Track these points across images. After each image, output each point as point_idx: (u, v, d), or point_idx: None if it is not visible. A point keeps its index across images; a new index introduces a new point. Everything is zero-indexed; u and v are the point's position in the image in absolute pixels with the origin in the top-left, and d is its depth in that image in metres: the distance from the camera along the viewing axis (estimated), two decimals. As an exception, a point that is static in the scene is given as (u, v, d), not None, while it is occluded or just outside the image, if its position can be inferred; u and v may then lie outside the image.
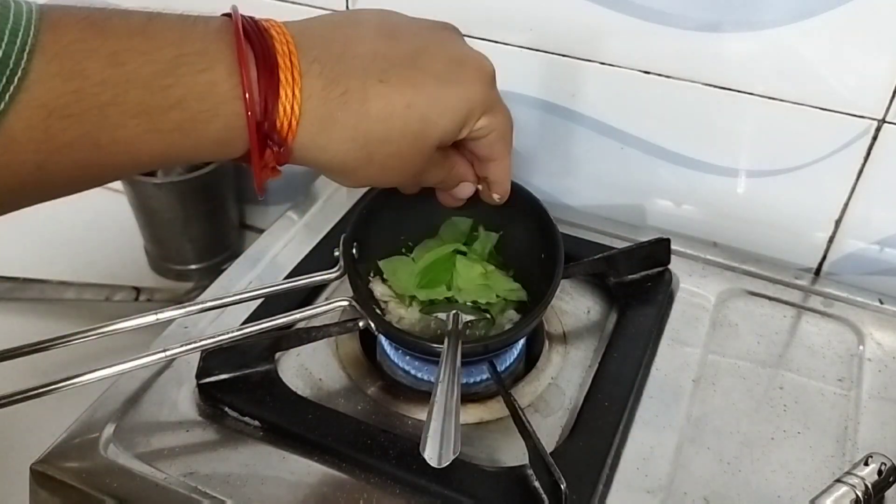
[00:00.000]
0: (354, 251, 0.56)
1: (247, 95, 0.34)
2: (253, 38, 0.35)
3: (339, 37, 0.38)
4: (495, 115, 0.44)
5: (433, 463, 0.43)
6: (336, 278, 0.56)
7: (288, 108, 0.35)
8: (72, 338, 0.49)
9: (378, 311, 0.56)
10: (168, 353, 0.50)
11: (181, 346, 0.50)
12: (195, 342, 0.51)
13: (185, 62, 0.33)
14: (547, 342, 0.60)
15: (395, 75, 0.37)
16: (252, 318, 0.58)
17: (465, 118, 0.41)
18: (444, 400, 0.46)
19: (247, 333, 0.52)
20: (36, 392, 0.46)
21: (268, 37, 0.36)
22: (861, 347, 0.61)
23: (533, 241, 0.60)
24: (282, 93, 0.35)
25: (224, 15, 0.37)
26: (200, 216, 0.84)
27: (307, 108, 0.36)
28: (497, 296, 0.58)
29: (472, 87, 0.41)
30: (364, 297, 0.53)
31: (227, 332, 0.52)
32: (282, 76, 0.35)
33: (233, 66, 0.34)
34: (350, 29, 0.38)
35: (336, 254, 0.56)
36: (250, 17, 0.37)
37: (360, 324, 0.54)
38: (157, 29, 0.34)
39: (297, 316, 0.54)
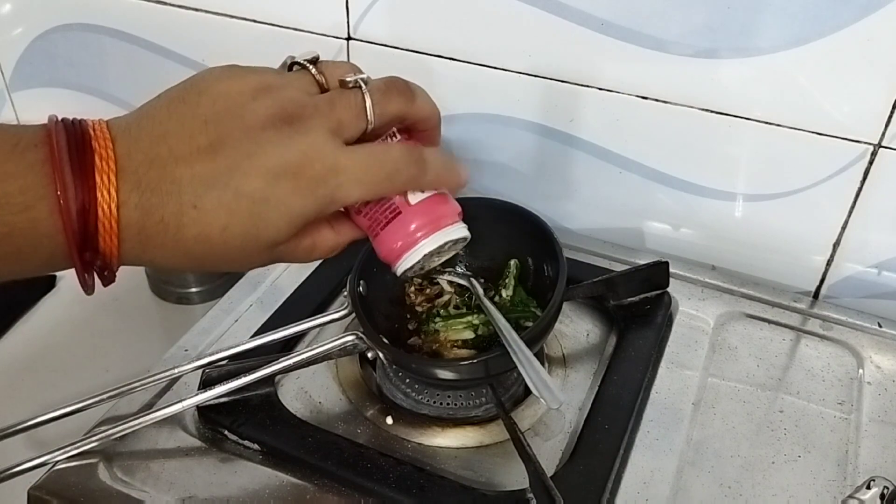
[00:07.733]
0: (361, 289, 0.56)
1: (68, 232, 0.35)
2: (74, 163, 0.35)
3: (163, 151, 0.37)
4: (354, 168, 0.40)
5: (555, 405, 0.48)
6: (343, 317, 0.56)
7: (108, 240, 0.36)
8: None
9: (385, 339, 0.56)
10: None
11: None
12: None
13: (6, 202, 0.34)
14: (547, 365, 0.60)
15: (209, 200, 0.37)
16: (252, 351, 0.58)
17: (298, 222, 0.40)
18: (523, 355, 0.49)
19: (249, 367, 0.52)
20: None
21: (90, 162, 0.35)
22: (860, 371, 0.61)
23: (537, 264, 0.60)
24: (101, 228, 0.35)
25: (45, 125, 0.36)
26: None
27: (125, 236, 0.36)
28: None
29: (294, 199, 0.39)
30: (372, 332, 0.53)
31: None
32: (100, 212, 0.35)
33: (54, 205, 0.34)
34: (175, 138, 0.37)
35: (344, 294, 0.55)
36: (71, 123, 0.36)
37: (370, 355, 0.54)
38: None
39: (305, 356, 0.53)
